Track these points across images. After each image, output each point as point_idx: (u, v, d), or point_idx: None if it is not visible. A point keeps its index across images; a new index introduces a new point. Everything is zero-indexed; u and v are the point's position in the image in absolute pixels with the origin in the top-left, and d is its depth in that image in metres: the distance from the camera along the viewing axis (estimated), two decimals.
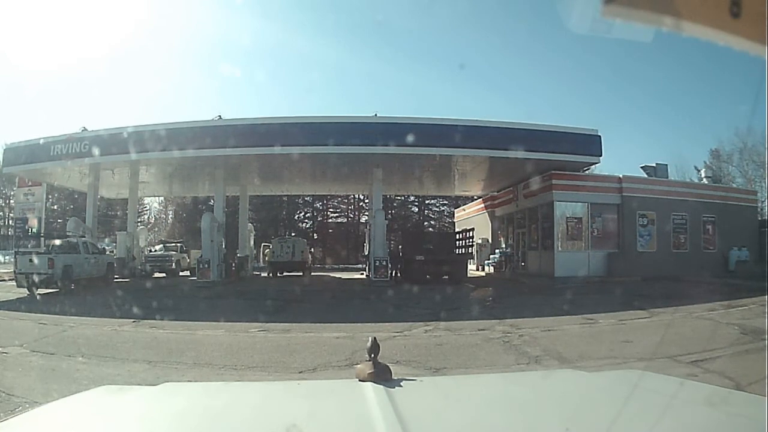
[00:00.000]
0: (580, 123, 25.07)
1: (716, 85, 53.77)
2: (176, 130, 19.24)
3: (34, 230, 24.28)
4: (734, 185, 34.26)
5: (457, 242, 23.94)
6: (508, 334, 8.69)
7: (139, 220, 44.73)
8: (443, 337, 8.74)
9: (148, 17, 51.07)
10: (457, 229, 31.75)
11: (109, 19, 54.15)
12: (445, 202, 49.33)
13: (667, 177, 25.70)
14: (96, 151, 19.37)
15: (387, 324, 9.91)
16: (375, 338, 1.64)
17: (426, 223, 50.81)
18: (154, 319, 10.35)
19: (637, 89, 58.07)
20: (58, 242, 18.11)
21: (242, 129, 19.37)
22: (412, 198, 49.14)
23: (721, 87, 51.60)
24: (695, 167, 38.27)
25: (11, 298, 14.63)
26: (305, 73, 61.88)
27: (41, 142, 20.84)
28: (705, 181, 28.67)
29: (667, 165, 26.09)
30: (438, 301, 13.45)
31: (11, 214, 34.60)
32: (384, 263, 20.02)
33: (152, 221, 54.87)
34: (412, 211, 52.22)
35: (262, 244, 32.11)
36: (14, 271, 16.82)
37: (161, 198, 49.92)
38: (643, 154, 65.09)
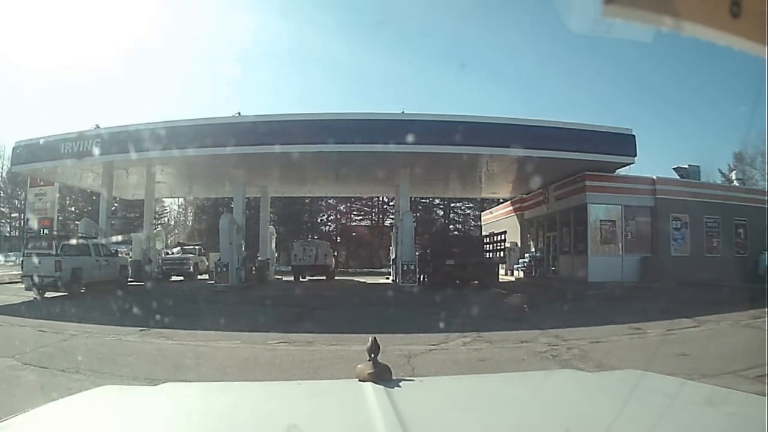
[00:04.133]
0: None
1: (721, 87, 53.09)
2: (193, 127, 18.45)
3: (45, 231, 23.61)
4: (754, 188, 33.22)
5: (488, 246, 23.03)
6: (555, 347, 7.92)
7: (159, 222, 44.41)
8: (484, 351, 7.88)
9: (163, 16, 51.39)
10: (486, 233, 31.13)
11: (122, 17, 55.18)
12: (471, 205, 48.53)
13: (699, 179, 24.61)
14: (109, 148, 18.75)
15: (420, 335, 8.95)
16: (375, 338, 1.61)
17: (451, 227, 50.01)
18: (164, 327, 9.51)
19: (655, 90, 57.46)
20: (67, 244, 17.21)
21: (262, 126, 18.42)
22: (437, 201, 48.38)
23: (730, 89, 50.19)
24: (719, 170, 37.78)
25: (16, 302, 13.94)
26: (318, 71, 62.81)
27: (51, 139, 20.17)
28: (736, 183, 27.94)
29: (699, 166, 24.99)
30: (471, 308, 12.40)
31: (24, 215, 34.24)
32: (412, 267, 19.16)
33: (172, 223, 54.54)
34: (438, 214, 51.39)
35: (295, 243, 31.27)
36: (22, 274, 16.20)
37: (181, 199, 49.60)
38: (662, 155, 63.18)
